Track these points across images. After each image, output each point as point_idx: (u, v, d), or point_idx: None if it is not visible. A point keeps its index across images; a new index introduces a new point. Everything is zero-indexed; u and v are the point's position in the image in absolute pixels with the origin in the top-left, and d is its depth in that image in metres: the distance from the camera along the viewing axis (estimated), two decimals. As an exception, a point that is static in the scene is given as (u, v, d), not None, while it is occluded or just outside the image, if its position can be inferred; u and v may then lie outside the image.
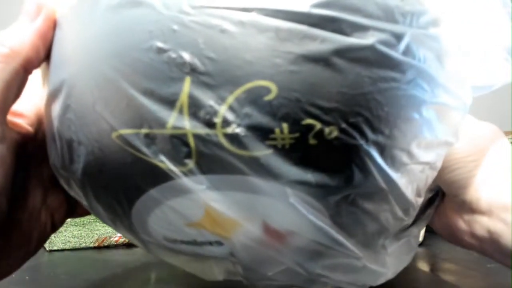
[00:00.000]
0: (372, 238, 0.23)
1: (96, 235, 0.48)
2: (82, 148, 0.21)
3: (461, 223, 0.27)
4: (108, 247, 0.49)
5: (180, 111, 0.18)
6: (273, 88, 0.18)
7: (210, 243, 0.23)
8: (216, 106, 0.18)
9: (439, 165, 0.24)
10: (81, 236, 0.47)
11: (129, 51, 0.19)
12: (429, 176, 0.23)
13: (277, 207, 0.20)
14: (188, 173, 0.19)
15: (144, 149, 0.19)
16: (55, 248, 0.46)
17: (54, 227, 0.29)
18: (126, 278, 0.38)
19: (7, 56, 0.22)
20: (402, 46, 0.19)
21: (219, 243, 0.23)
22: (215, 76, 0.18)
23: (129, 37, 0.19)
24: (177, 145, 0.19)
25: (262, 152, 0.18)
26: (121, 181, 0.21)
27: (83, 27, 0.21)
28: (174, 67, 0.18)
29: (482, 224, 0.26)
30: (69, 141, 0.21)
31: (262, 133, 0.18)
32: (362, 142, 0.19)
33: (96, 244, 0.48)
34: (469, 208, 0.26)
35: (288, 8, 0.18)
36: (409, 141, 0.20)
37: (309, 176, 0.19)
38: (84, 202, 0.24)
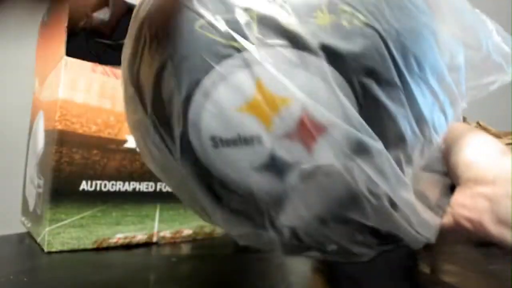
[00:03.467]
0: (394, 151, 0.26)
1: (95, 236, 0.48)
2: (178, 39, 0.27)
3: (463, 201, 0.29)
4: (107, 248, 0.49)
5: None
6: None
7: (252, 139, 0.26)
8: None
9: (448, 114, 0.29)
10: (80, 238, 0.47)
11: None
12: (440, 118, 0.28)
13: (315, 86, 0.24)
14: (247, 48, 0.25)
15: (220, 28, 0.25)
16: (54, 249, 0.46)
17: None
18: (125, 279, 0.38)
19: None
20: None
21: (259, 140, 0.26)
22: None
23: None
24: (241, 26, 0.25)
25: (305, 26, 0.24)
26: (196, 58, 0.26)
27: None
28: None
29: (485, 195, 0.27)
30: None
31: (309, 9, 0.25)
32: (379, 27, 0.25)
33: (95, 246, 0.48)
34: (474, 182, 0.28)
35: None
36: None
37: (340, 43, 0.24)
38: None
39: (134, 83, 0.31)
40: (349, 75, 0.25)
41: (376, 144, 0.25)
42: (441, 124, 0.28)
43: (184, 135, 0.28)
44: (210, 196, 0.29)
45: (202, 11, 0.26)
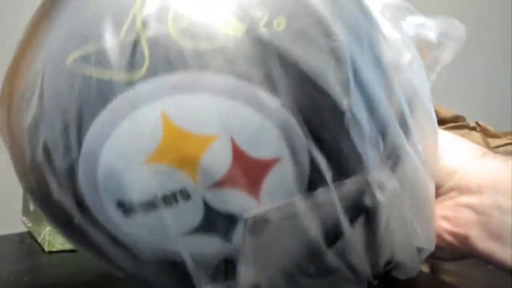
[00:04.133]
0: None
1: (95, 236, 0.48)
2: (45, 81, 0.21)
3: (445, 213, 0.26)
4: (107, 248, 0.49)
5: (133, 18, 0.19)
6: None
7: (175, 197, 0.20)
8: (167, 3, 0.19)
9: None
10: (80, 237, 0.47)
11: None
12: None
13: (247, 116, 0.19)
14: (142, 78, 0.19)
15: (100, 62, 0.19)
16: (54, 249, 0.46)
17: None
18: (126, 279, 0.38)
19: None
20: None
21: (186, 195, 0.20)
22: None
23: None
24: (130, 51, 0.19)
25: (216, 43, 0.18)
26: (76, 105, 0.20)
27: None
28: None
29: (471, 205, 0.25)
30: (37, 87, 0.21)
31: (215, 23, 0.19)
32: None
33: (95, 245, 0.48)
34: (457, 191, 0.26)
35: None
36: None
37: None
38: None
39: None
40: (286, 97, 0.19)
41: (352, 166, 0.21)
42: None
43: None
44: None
45: (68, 46, 0.20)
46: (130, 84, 0.19)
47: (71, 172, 0.20)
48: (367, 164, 0.21)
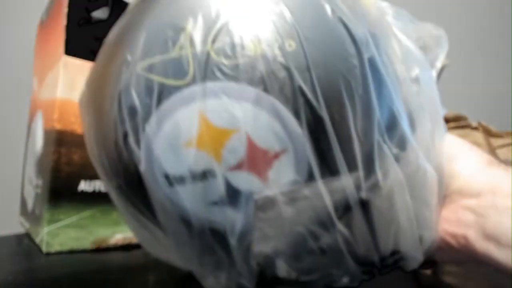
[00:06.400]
0: None
1: (94, 237, 0.48)
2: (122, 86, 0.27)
3: (447, 215, 0.27)
4: (106, 249, 0.48)
5: (184, 38, 0.25)
6: None
7: (205, 175, 0.25)
8: (208, 28, 0.25)
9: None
10: (78, 238, 0.47)
11: None
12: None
13: (259, 116, 0.24)
14: (187, 84, 0.25)
15: (159, 71, 0.25)
16: (53, 250, 0.46)
17: None
18: (125, 280, 0.38)
19: None
20: None
21: (213, 174, 0.25)
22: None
23: None
24: (180, 63, 0.25)
25: (242, 60, 0.24)
26: (136, 99, 0.26)
27: None
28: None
29: (470, 207, 0.26)
30: None
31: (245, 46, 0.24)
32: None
33: (94, 246, 0.48)
34: (459, 195, 0.27)
35: None
36: None
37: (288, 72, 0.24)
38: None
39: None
40: (295, 106, 0.24)
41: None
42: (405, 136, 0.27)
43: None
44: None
45: (133, 56, 0.26)
46: (177, 88, 0.25)
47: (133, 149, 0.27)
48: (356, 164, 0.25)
